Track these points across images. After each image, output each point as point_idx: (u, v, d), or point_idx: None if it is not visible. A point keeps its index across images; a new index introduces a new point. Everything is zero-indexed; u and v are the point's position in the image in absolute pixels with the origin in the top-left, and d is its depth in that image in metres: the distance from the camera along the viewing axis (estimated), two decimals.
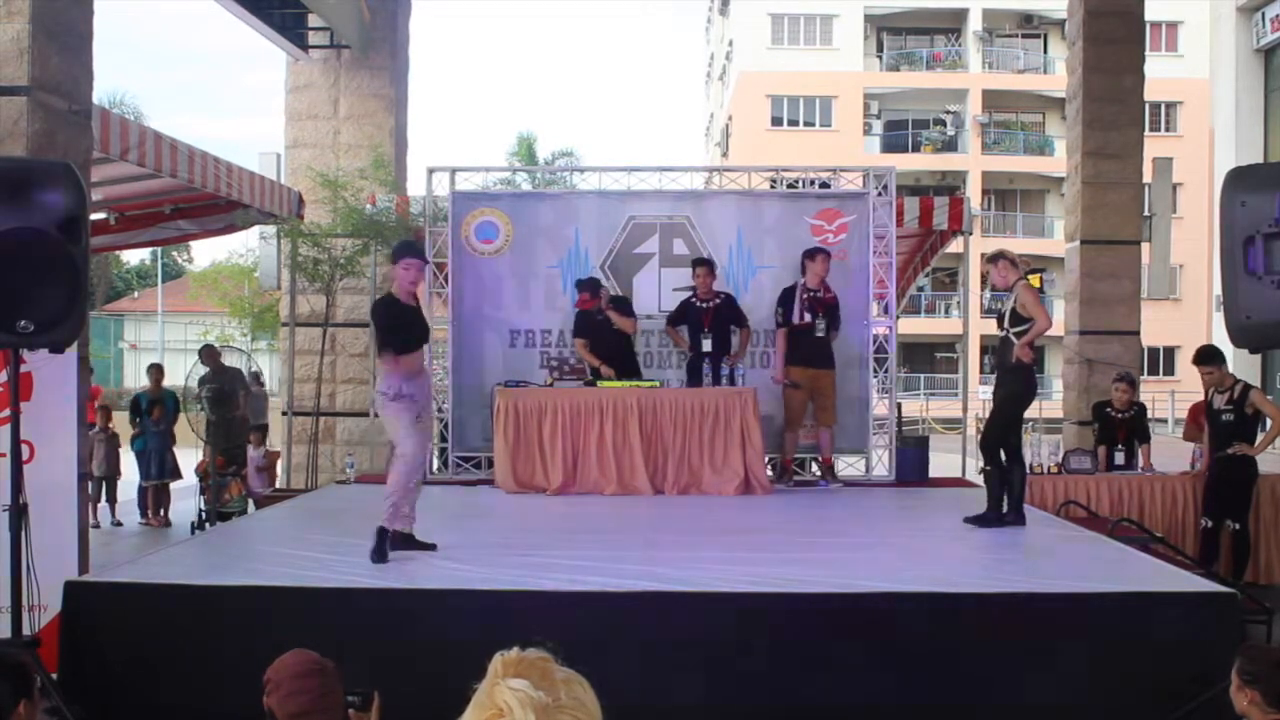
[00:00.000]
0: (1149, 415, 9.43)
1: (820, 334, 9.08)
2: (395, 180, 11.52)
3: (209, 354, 10.90)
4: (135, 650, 4.98)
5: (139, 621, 5.04)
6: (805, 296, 9.05)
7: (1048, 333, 6.98)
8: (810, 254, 9.16)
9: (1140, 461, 9.00)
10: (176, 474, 12.07)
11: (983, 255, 7.31)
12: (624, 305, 9.46)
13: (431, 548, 5.99)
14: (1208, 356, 8.27)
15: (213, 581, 5.34)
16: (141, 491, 11.99)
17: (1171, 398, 23.65)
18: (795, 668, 4.83)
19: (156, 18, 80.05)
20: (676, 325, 9.53)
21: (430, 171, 10.16)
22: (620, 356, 9.32)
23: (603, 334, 9.32)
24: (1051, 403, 18.01)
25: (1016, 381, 7.08)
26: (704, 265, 9.36)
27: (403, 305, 6.04)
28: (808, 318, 9.03)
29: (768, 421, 9.25)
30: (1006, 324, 6.96)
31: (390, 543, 5.81)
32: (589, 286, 9.36)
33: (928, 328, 36.56)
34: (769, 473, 9.27)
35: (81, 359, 5.81)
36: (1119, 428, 9.08)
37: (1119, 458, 8.99)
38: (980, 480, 7.60)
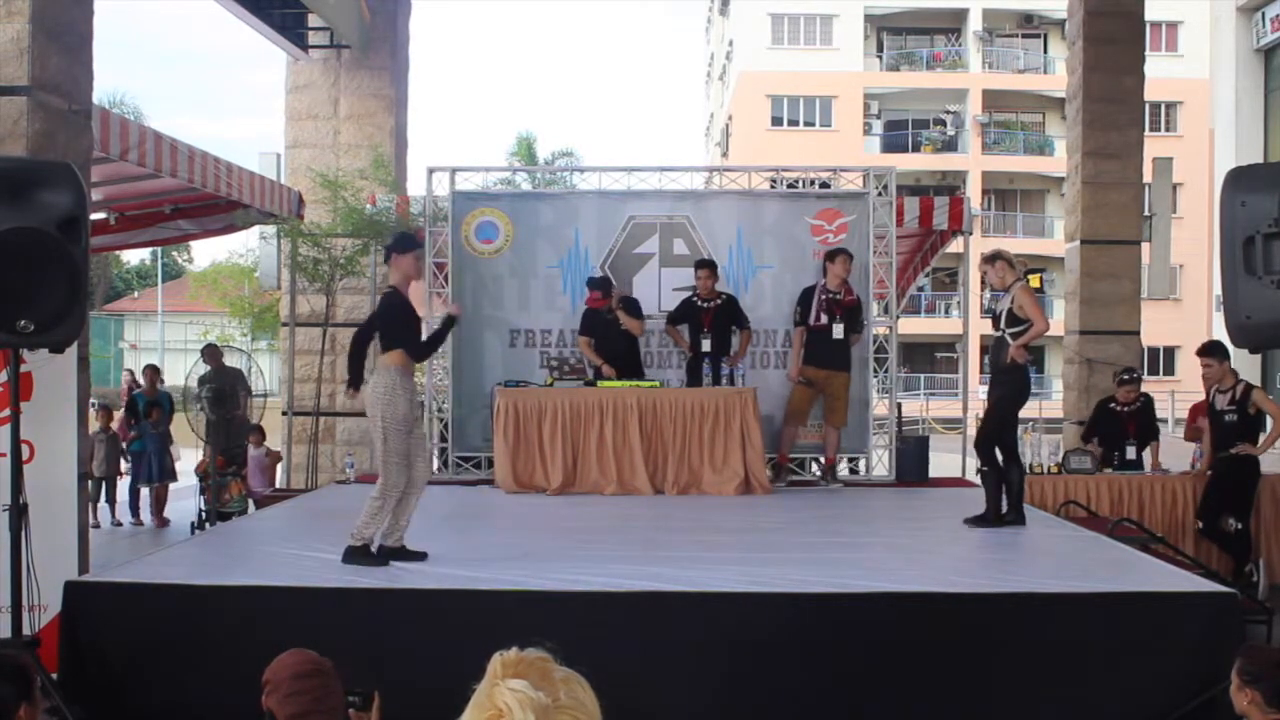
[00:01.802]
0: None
1: (838, 336, 9.07)
2: (395, 180, 11.51)
3: (211, 353, 10.88)
4: (135, 650, 4.98)
5: (139, 621, 5.04)
6: (824, 298, 9.05)
7: (1047, 333, 6.99)
8: (830, 255, 9.16)
9: (1150, 460, 8.99)
10: (173, 475, 12.05)
11: (982, 255, 7.31)
12: (634, 307, 9.43)
13: (422, 557, 5.80)
14: (1210, 349, 8.25)
15: (213, 581, 5.34)
16: (133, 493, 11.98)
17: (1171, 398, 23.60)
18: (795, 668, 4.83)
19: (156, 18, 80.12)
20: (677, 324, 9.53)
21: (430, 171, 10.16)
22: (625, 357, 9.31)
23: (609, 333, 9.30)
24: (1051, 403, 18.04)
25: (1011, 382, 7.08)
26: (707, 267, 9.36)
27: (408, 301, 5.91)
28: (824, 319, 9.03)
29: (768, 421, 9.25)
30: (1003, 325, 6.97)
31: (379, 555, 5.69)
32: (600, 285, 9.33)
33: (928, 328, 36.55)
34: (768, 471, 9.28)
35: (81, 359, 5.81)
36: (1127, 422, 9.06)
37: (1130, 452, 8.96)
38: (979, 480, 7.60)
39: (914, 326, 33.76)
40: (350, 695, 2.79)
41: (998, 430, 7.07)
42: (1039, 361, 34.38)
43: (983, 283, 7.83)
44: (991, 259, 7.08)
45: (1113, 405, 9.18)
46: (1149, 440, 9.11)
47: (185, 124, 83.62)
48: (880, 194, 9.94)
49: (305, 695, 2.63)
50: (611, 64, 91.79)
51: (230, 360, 11.03)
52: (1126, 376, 9.23)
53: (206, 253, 70.71)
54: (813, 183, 10.61)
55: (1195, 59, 33.62)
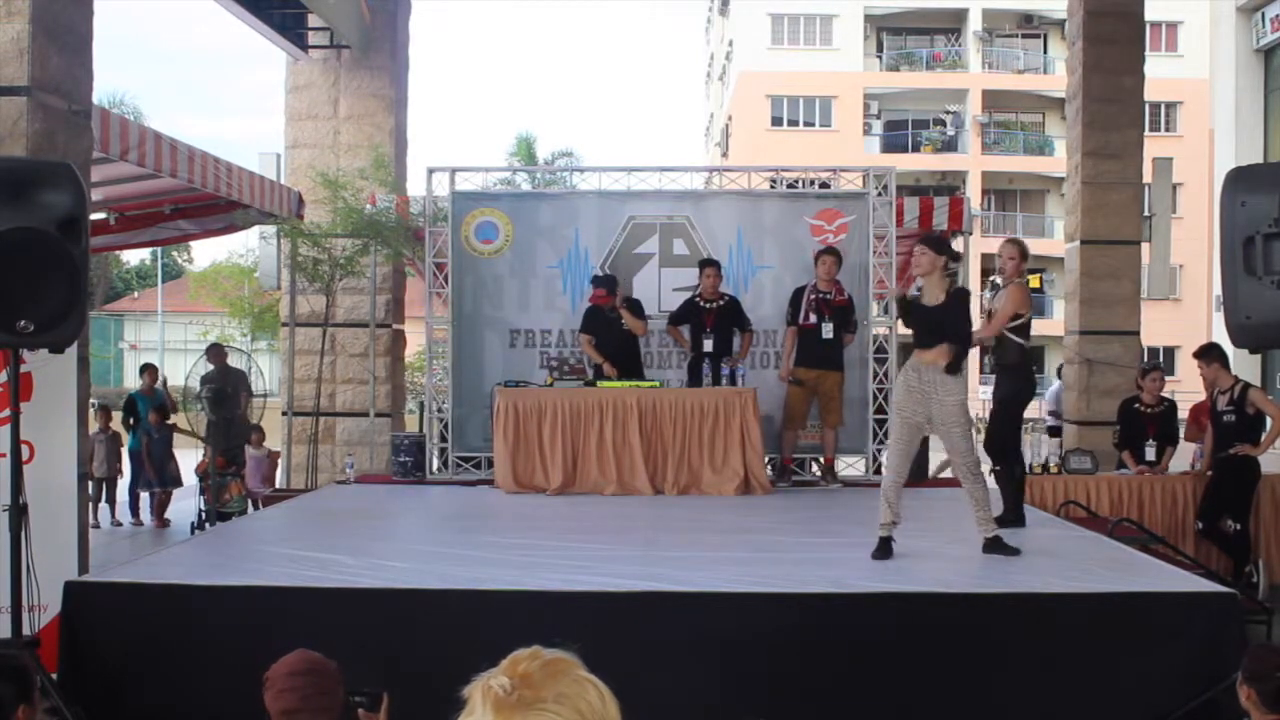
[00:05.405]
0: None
1: (828, 336, 9.07)
2: (395, 180, 11.51)
3: (215, 353, 10.86)
4: (135, 650, 4.98)
5: (139, 621, 5.03)
6: (813, 297, 9.06)
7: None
8: (816, 256, 9.19)
9: (1161, 464, 8.96)
10: (177, 481, 12.00)
11: (1011, 239, 7.14)
12: (637, 307, 9.42)
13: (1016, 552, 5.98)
14: (1204, 351, 8.27)
15: (213, 581, 5.34)
16: (132, 494, 11.95)
17: (1172, 398, 23.62)
18: (795, 667, 4.83)
19: (156, 18, 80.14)
20: (679, 324, 9.53)
21: (430, 171, 10.15)
22: (626, 357, 9.31)
23: (611, 333, 9.31)
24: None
25: (1015, 379, 7.07)
26: (712, 266, 9.36)
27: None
28: (813, 319, 9.04)
29: (768, 421, 9.25)
30: None
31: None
32: (606, 283, 9.33)
33: None
34: (769, 472, 9.28)
35: (81, 359, 5.81)
36: (1149, 423, 8.99)
37: (1149, 453, 8.89)
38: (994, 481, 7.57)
39: None
40: (357, 695, 2.80)
41: (1005, 429, 7.06)
42: (1039, 361, 34.36)
43: (984, 282, 7.82)
44: (1018, 253, 6.99)
45: (1137, 405, 9.11)
46: (1167, 445, 9.05)
47: (185, 124, 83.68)
48: (880, 194, 9.93)
49: (295, 693, 2.66)
50: (611, 64, 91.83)
51: (231, 360, 11.03)
52: (1150, 366, 9.20)
53: (206, 253, 70.61)
54: (812, 183, 10.62)
55: (1195, 59, 33.59)
